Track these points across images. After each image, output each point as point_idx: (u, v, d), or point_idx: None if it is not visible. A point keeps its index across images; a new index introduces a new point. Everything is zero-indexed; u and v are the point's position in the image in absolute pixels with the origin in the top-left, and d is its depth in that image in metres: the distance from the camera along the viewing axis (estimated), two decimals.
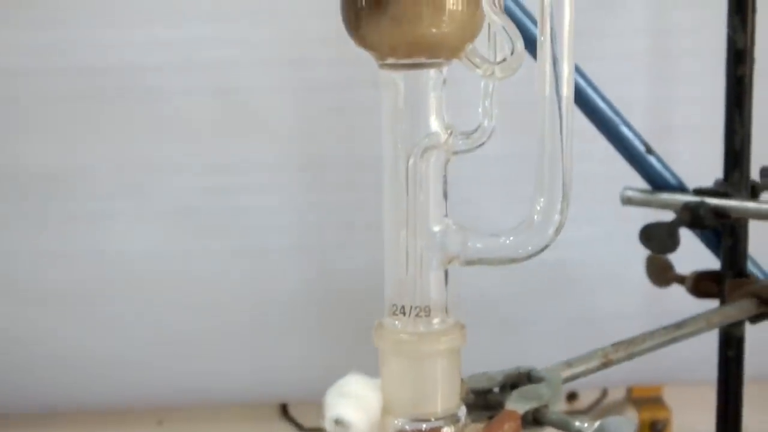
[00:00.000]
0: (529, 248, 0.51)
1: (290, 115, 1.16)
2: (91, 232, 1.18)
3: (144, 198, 1.17)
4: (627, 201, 0.89)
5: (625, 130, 0.87)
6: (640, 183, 0.89)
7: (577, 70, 0.84)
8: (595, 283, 1.21)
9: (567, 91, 0.49)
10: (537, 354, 1.20)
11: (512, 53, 0.50)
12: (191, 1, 1.13)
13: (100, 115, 1.15)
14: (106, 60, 1.13)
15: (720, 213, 0.85)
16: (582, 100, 0.85)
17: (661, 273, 0.91)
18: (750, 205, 0.85)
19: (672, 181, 0.88)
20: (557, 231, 0.51)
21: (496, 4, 0.49)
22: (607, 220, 1.13)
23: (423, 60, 0.50)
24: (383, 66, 0.51)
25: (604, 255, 1.18)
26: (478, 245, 0.52)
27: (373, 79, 0.51)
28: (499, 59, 0.51)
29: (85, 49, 1.13)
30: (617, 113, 0.87)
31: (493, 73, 0.50)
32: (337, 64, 1.11)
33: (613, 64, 1.14)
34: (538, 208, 0.50)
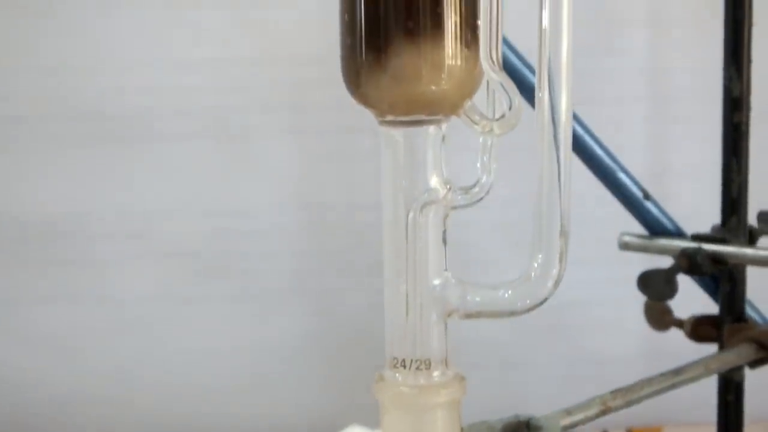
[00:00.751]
0: (528, 302, 0.52)
1: (290, 159, 1.17)
2: (91, 276, 1.18)
3: (144, 242, 1.18)
4: (624, 246, 0.90)
5: (622, 176, 0.88)
6: (639, 226, 0.90)
7: (575, 117, 0.86)
8: (595, 325, 1.21)
9: (565, 139, 0.50)
10: (537, 396, 1.21)
11: (510, 109, 0.51)
12: (191, 47, 1.14)
13: (100, 160, 1.16)
14: (107, 105, 1.14)
15: (717, 259, 0.85)
16: (580, 147, 0.86)
17: (659, 317, 0.91)
18: (747, 251, 0.85)
19: (669, 226, 0.89)
20: (556, 284, 0.51)
21: (494, 61, 0.50)
22: (606, 262, 1.14)
23: (422, 117, 0.51)
24: (383, 122, 0.51)
25: (603, 297, 1.19)
26: (477, 298, 0.52)
27: (373, 125, 0.52)
28: (497, 115, 0.51)
29: (86, 94, 1.14)
30: (615, 160, 0.88)
31: (491, 129, 0.51)
32: (337, 109, 1.12)
33: (612, 107, 1.15)
34: (536, 264, 0.51)
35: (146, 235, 1.18)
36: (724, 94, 0.86)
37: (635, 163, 1.00)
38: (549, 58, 0.49)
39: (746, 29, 0.84)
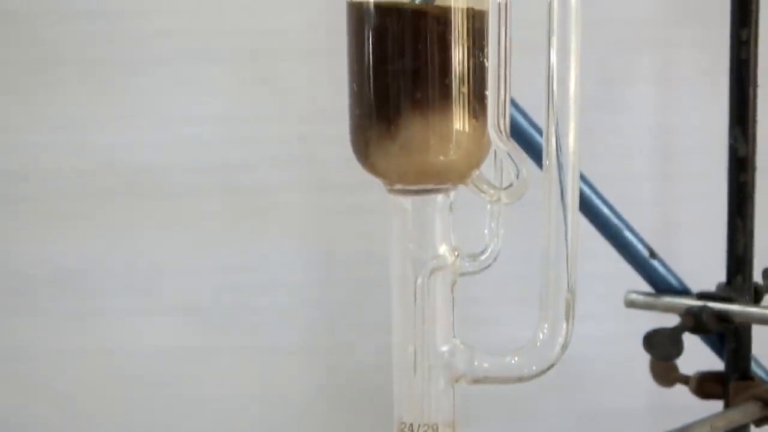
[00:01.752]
0: (534, 368, 0.52)
1: (299, 213, 1.17)
2: (98, 330, 1.18)
3: (153, 296, 1.18)
4: (630, 304, 0.90)
5: (628, 235, 0.88)
6: (645, 283, 0.91)
7: (581, 176, 0.86)
8: (601, 380, 1.21)
9: (572, 201, 0.50)
10: None
11: (518, 177, 0.51)
12: (201, 102, 1.15)
13: (109, 215, 1.16)
14: (116, 160, 1.15)
15: (723, 318, 0.86)
16: (586, 206, 0.86)
17: (665, 373, 0.92)
18: (753, 310, 0.86)
19: (675, 284, 0.90)
20: (563, 349, 0.52)
21: (502, 131, 0.51)
22: (613, 317, 1.14)
23: (430, 186, 0.51)
24: (391, 191, 0.52)
25: (610, 352, 1.19)
26: (485, 365, 0.53)
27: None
28: (505, 184, 0.52)
29: (96, 149, 1.15)
30: (621, 218, 0.88)
31: (499, 198, 0.52)
32: (346, 164, 1.12)
33: (619, 162, 1.16)
34: (543, 330, 0.51)
35: (155, 290, 1.18)
36: (729, 154, 0.87)
37: (642, 219, 1.00)
38: (556, 122, 0.49)
39: (751, 90, 0.85)
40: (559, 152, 0.50)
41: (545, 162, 0.50)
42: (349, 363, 1.20)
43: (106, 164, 1.15)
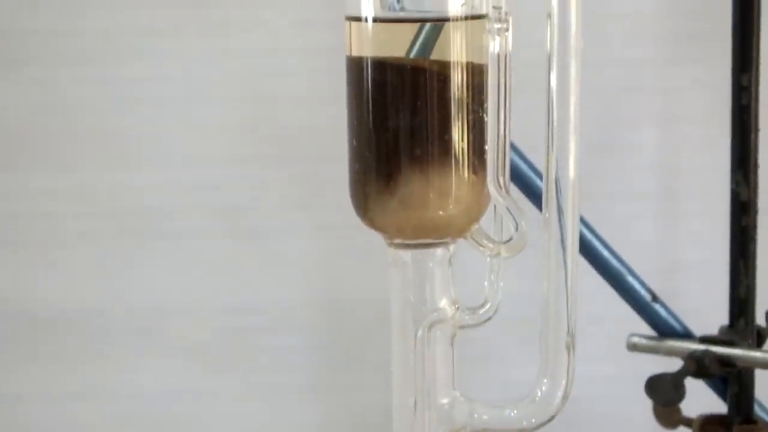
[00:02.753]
0: (534, 420, 0.52)
1: (302, 256, 1.17)
2: (100, 372, 1.18)
3: (155, 338, 1.18)
4: (633, 347, 0.90)
5: (630, 279, 0.88)
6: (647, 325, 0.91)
7: (582, 221, 0.86)
8: (603, 421, 1.21)
9: (572, 245, 0.50)
10: None
11: (517, 230, 0.52)
12: (205, 145, 1.15)
13: (112, 256, 1.16)
14: (120, 202, 1.15)
15: (726, 362, 0.86)
16: (588, 251, 0.86)
17: (668, 416, 0.92)
18: (756, 354, 0.86)
19: (678, 327, 0.89)
20: (564, 399, 0.52)
21: (501, 186, 0.51)
22: (615, 357, 1.14)
23: (430, 240, 0.52)
24: (391, 245, 0.52)
25: (612, 392, 1.19)
26: (485, 417, 0.53)
27: None
28: (504, 236, 0.52)
29: (100, 192, 1.15)
30: (622, 263, 0.88)
31: (499, 252, 0.52)
32: (348, 207, 1.12)
33: (621, 203, 1.16)
34: (543, 384, 0.51)
35: (157, 332, 1.18)
36: (731, 198, 0.87)
37: (645, 259, 1.00)
38: (556, 166, 0.50)
39: (753, 135, 0.85)
40: (559, 195, 0.50)
41: (544, 206, 0.50)
42: (352, 405, 1.19)
43: (108, 207, 1.15)
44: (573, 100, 0.49)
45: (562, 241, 0.50)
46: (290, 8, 1.14)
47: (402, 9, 0.50)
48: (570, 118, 0.49)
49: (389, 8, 0.50)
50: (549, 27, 0.48)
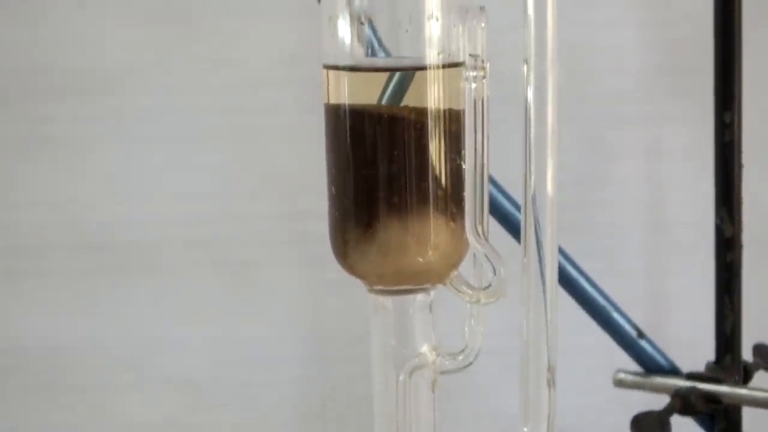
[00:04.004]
0: None
1: (290, 290, 1.18)
2: (91, 406, 1.18)
3: (144, 372, 1.18)
4: (619, 383, 0.90)
5: (616, 316, 0.88)
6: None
7: (567, 259, 0.86)
8: None
9: (551, 280, 0.50)
10: None
11: (495, 276, 0.51)
12: (191, 178, 1.15)
13: (101, 291, 1.17)
14: (108, 238, 1.15)
15: (712, 399, 0.86)
16: (573, 288, 0.86)
17: None
18: (742, 391, 0.86)
19: (664, 363, 0.89)
20: None
21: (480, 234, 0.51)
22: (602, 389, 1.14)
23: (409, 287, 0.52)
24: (372, 291, 0.52)
25: (599, 424, 1.19)
26: None
27: None
28: (483, 285, 0.52)
29: (87, 227, 1.15)
30: (608, 299, 0.88)
31: (479, 299, 0.52)
32: None
33: (607, 237, 1.16)
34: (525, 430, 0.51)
35: (146, 365, 1.18)
36: (716, 234, 0.87)
37: (631, 292, 1.00)
38: (534, 195, 0.49)
39: (736, 171, 0.85)
40: (538, 228, 0.50)
41: (522, 225, 0.50)
42: None
43: (97, 241, 1.16)
44: (550, 128, 0.49)
45: (542, 274, 0.50)
46: (278, 43, 1.14)
47: (381, 55, 0.50)
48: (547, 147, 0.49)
49: (366, 54, 0.50)
50: (526, 72, 0.48)
